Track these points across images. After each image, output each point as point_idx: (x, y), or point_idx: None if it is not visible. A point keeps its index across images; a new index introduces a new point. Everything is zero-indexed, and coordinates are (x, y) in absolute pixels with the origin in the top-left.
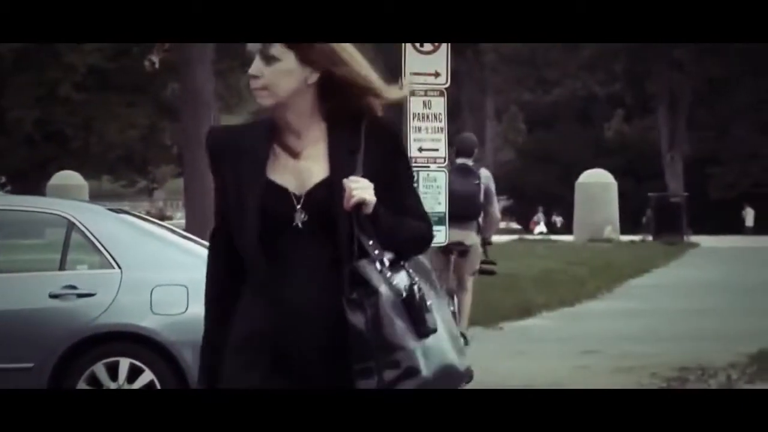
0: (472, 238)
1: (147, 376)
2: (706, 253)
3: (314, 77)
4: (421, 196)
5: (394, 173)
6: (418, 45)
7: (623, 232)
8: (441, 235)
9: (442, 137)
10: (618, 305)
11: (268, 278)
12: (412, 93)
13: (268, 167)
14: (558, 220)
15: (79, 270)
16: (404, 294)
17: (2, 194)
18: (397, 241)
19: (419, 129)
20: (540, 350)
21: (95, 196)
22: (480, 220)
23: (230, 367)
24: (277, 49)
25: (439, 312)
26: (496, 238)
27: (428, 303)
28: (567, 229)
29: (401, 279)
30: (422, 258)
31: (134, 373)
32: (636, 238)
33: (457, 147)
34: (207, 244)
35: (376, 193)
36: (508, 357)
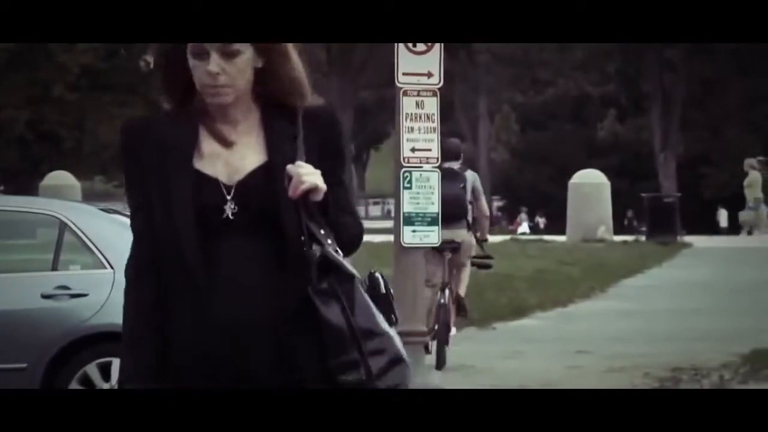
0: (461, 235)
1: None
2: (699, 253)
3: (260, 63)
4: (415, 196)
5: (332, 163)
6: (411, 45)
7: (616, 232)
8: (434, 236)
9: (435, 137)
10: (611, 305)
11: (200, 282)
12: (405, 93)
13: (196, 158)
14: (541, 221)
15: (71, 270)
16: (366, 282)
17: None
18: (339, 236)
19: (412, 129)
20: (533, 350)
21: (88, 197)
22: (470, 218)
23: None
24: (238, 42)
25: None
26: (490, 239)
27: (392, 291)
28: (549, 230)
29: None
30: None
31: None
32: (629, 238)
33: (442, 151)
34: None
35: None
36: (501, 357)
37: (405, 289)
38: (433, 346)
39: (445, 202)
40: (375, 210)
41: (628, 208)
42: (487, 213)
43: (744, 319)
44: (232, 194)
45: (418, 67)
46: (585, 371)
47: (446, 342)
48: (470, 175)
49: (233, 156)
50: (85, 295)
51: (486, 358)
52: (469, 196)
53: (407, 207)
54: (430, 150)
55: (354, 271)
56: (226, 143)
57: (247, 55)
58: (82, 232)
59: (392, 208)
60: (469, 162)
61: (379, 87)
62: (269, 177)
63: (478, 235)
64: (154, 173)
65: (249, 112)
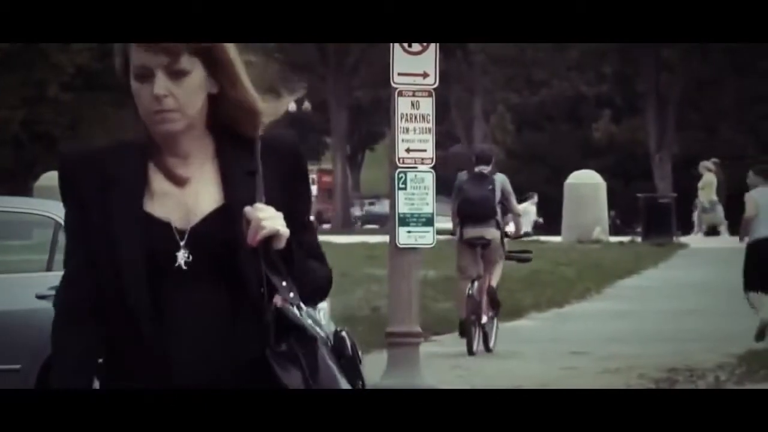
0: (491, 233)
1: None
2: (695, 254)
3: (215, 89)
4: (410, 197)
5: (295, 201)
6: (406, 45)
7: (612, 233)
8: (429, 236)
9: (430, 138)
10: (607, 306)
11: (148, 339)
12: (400, 93)
13: (146, 197)
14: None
15: None
16: (332, 341)
17: None
18: (305, 285)
19: (407, 130)
20: (528, 351)
21: None
22: (499, 218)
23: None
24: (186, 60)
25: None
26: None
27: (359, 353)
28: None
29: (319, 325)
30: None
31: None
32: (625, 239)
33: (475, 156)
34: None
35: None
36: (497, 358)
37: (400, 290)
38: (477, 332)
39: (474, 203)
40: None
41: (626, 208)
42: (519, 211)
43: (740, 320)
44: (185, 240)
45: (414, 67)
46: (580, 372)
47: (476, 328)
48: (499, 178)
49: (186, 196)
50: None
51: (480, 359)
52: (498, 197)
53: (402, 208)
54: (425, 150)
55: (318, 330)
56: (179, 181)
57: (197, 76)
58: None
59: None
60: (463, 162)
61: (374, 87)
62: (227, 221)
63: (512, 232)
64: (98, 212)
65: (202, 145)
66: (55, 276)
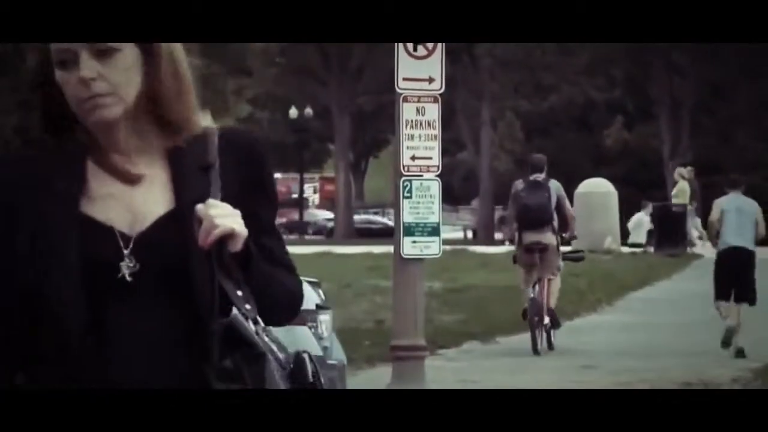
0: (548, 238)
1: None
2: (709, 264)
3: (152, 74)
4: (415, 206)
5: (257, 203)
6: (411, 49)
7: (624, 243)
8: (435, 247)
9: (436, 145)
10: (618, 319)
11: (83, 360)
12: (405, 99)
13: (85, 200)
14: None
15: None
16: (291, 365)
17: None
18: (268, 298)
19: (412, 137)
20: (537, 365)
21: None
22: (555, 223)
23: None
24: None
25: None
26: (494, 249)
27: (321, 380)
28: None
29: (279, 344)
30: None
31: None
32: (637, 249)
33: (530, 165)
34: None
35: None
36: (504, 372)
37: (405, 301)
38: (541, 332)
39: (532, 209)
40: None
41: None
42: (573, 214)
43: (756, 334)
44: (131, 248)
45: (419, 72)
46: (590, 386)
47: (539, 329)
48: (554, 185)
49: (133, 198)
50: None
51: (488, 373)
52: (554, 203)
53: (407, 217)
54: (431, 158)
55: (273, 348)
56: (124, 181)
57: (129, 54)
58: None
59: (392, 218)
60: (470, 171)
61: (378, 93)
62: (178, 226)
63: (567, 234)
64: (29, 217)
65: (149, 140)
66: None
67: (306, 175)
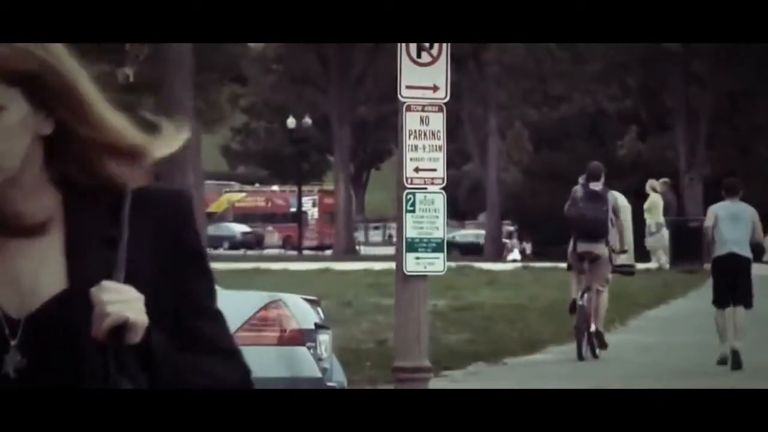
0: (600, 249)
1: None
2: None
3: (48, 127)
4: (419, 220)
5: (183, 278)
6: (415, 56)
7: (638, 259)
8: (439, 263)
9: (441, 156)
10: (632, 339)
11: None
12: (409, 108)
13: None
14: (527, 246)
15: None
16: None
17: None
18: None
19: (416, 147)
20: (546, 388)
21: None
22: (610, 237)
23: None
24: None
25: None
26: (501, 266)
27: None
28: (538, 256)
29: None
30: None
31: None
32: (652, 265)
33: (587, 173)
34: None
35: (152, 311)
36: None
37: (408, 320)
38: (586, 339)
39: (589, 221)
40: (376, 235)
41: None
42: (629, 226)
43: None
44: (18, 337)
45: (423, 79)
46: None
47: (585, 336)
48: (611, 197)
49: (21, 271)
50: None
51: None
52: (611, 216)
53: (410, 232)
54: (435, 170)
55: None
56: (11, 254)
57: (15, 113)
58: None
59: (394, 233)
60: (476, 183)
61: (380, 101)
62: (71, 309)
63: (617, 249)
64: None
65: (42, 204)
66: None
67: (304, 188)
